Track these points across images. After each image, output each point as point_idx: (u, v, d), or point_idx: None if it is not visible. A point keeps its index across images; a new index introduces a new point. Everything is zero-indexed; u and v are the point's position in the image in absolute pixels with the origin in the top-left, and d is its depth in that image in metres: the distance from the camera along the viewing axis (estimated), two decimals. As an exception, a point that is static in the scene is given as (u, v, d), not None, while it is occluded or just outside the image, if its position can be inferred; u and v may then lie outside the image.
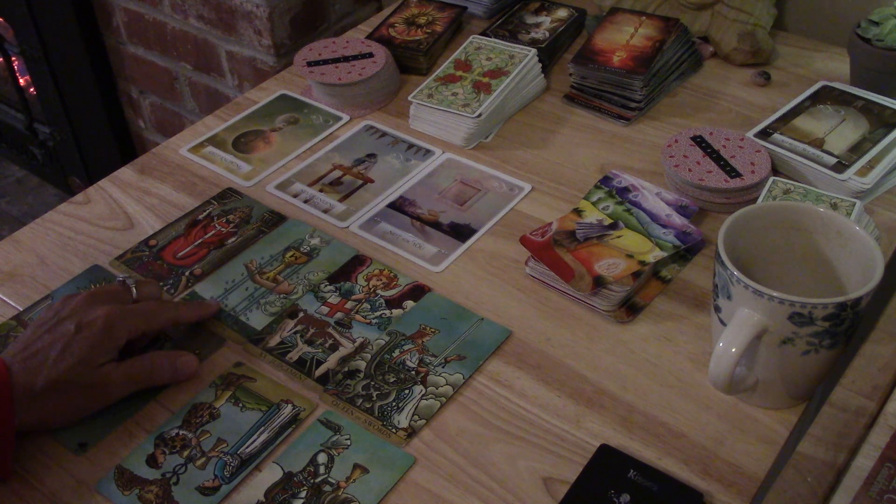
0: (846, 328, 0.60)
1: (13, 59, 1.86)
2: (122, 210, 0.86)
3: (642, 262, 0.73)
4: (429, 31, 1.06)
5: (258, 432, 0.65)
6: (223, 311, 0.74)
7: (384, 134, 0.94)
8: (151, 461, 0.63)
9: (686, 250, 0.77)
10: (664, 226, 0.77)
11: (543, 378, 0.68)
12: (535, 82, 0.98)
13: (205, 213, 0.84)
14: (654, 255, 0.74)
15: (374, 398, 0.67)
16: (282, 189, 0.87)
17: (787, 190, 0.79)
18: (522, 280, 0.77)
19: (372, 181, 0.88)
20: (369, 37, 1.05)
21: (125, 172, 0.90)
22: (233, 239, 0.81)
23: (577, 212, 0.80)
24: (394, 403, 0.66)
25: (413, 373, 0.69)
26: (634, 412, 0.65)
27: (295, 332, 0.72)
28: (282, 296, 0.76)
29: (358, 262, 0.79)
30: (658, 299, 0.74)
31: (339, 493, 0.61)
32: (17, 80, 1.88)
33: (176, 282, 0.77)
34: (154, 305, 0.69)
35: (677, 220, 0.78)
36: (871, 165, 0.82)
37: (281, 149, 0.93)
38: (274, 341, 0.72)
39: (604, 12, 1.07)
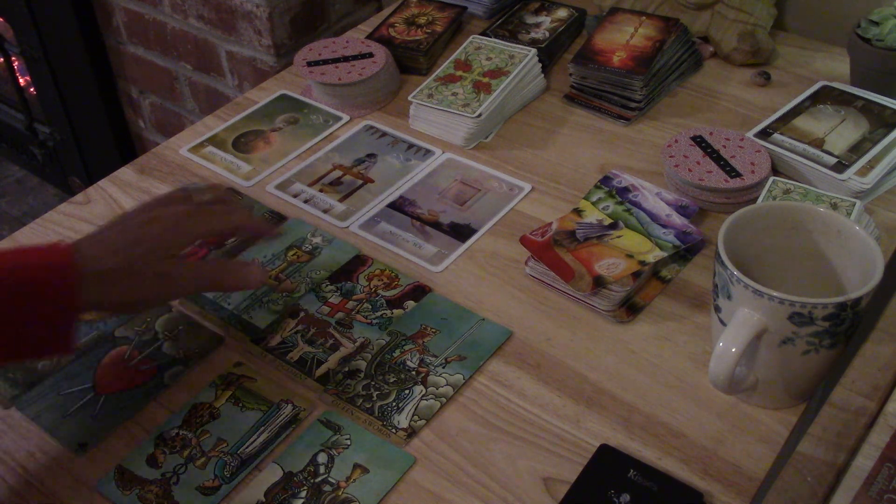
0: (846, 328, 0.60)
1: (13, 59, 1.86)
2: (123, 210, 0.86)
3: (642, 262, 0.73)
4: (429, 31, 1.06)
5: (258, 432, 0.65)
6: (225, 310, 0.74)
7: (384, 134, 0.94)
8: (151, 461, 0.63)
9: (686, 250, 0.77)
10: (664, 226, 0.77)
11: (543, 378, 0.68)
12: (535, 82, 0.98)
13: (205, 213, 0.84)
14: (654, 255, 0.74)
15: (375, 398, 0.67)
16: (282, 189, 0.87)
17: (787, 190, 0.79)
18: (522, 280, 0.77)
19: (372, 181, 0.88)
20: (369, 37, 1.05)
21: (125, 172, 0.90)
22: (233, 239, 0.81)
23: (577, 212, 0.80)
24: (394, 403, 0.66)
25: (413, 373, 0.69)
26: (634, 412, 0.65)
27: (296, 332, 0.72)
28: (284, 294, 0.76)
29: (359, 261, 0.79)
30: (658, 299, 0.74)
31: (339, 493, 0.61)
32: (17, 80, 1.88)
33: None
34: (222, 207, 0.70)
35: (677, 220, 0.78)
36: (871, 165, 0.82)
37: (281, 149, 0.93)
38: (275, 341, 0.72)
39: (604, 12, 1.07)
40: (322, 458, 0.63)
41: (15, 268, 0.58)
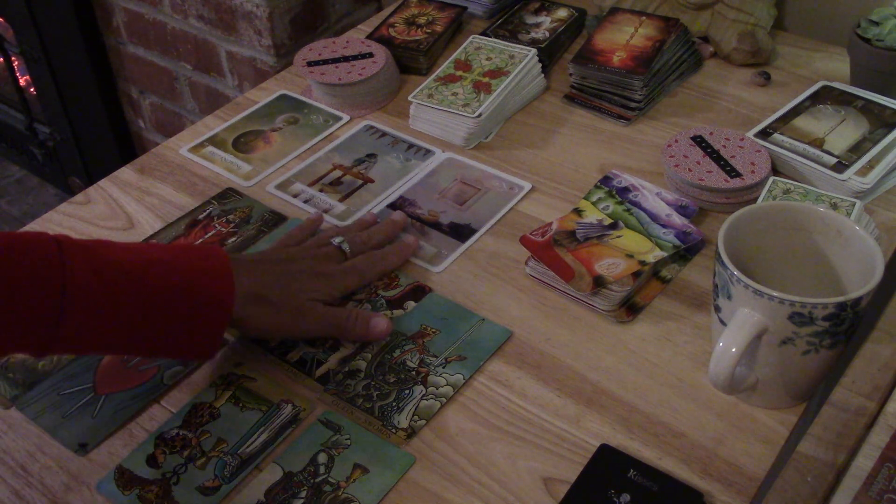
0: (846, 328, 0.60)
1: (13, 59, 1.86)
2: (122, 210, 0.86)
3: (642, 262, 0.73)
4: (429, 31, 1.06)
5: (258, 432, 0.65)
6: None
7: (384, 134, 0.94)
8: (151, 461, 0.63)
9: (686, 250, 0.77)
10: (664, 226, 0.77)
11: (543, 378, 0.68)
12: (535, 82, 0.98)
13: (205, 213, 0.84)
14: (654, 255, 0.74)
15: (375, 398, 0.67)
16: (282, 189, 0.87)
17: (787, 190, 0.79)
18: (522, 280, 0.77)
19: (372, 181, 0.88)
20: (369, 37, 1.05)
21: (125, 172, 0.90)
22: (233, 239, 0.81)
23: (577, 212, 0.80)
24: (394, 403, 0.66)
25: (413, 373, 0.69)
26: (634, 412, 0.65)
27: (295, 332, 0.72)
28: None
29: (358, 262, 0.79)
30: (658, 299, 0.74)
31: (339, 493, 0.61)
32: (17, 80, 1.88)
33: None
34: (366, 263, 0.74)
35: (677, 220, 0.78)
36: (871, 165, 0.82)
37: (281, 149, 0.93)
38: (275, 341, 0.72)
39: (604, 12, 1.07)
40: (322, 458, 0.63)
41: (180, 269, 0.60)
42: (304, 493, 0.61)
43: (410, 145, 0.93)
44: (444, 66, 0.98)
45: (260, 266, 0.68)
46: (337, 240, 0.74)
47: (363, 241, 0.76)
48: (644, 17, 1.00)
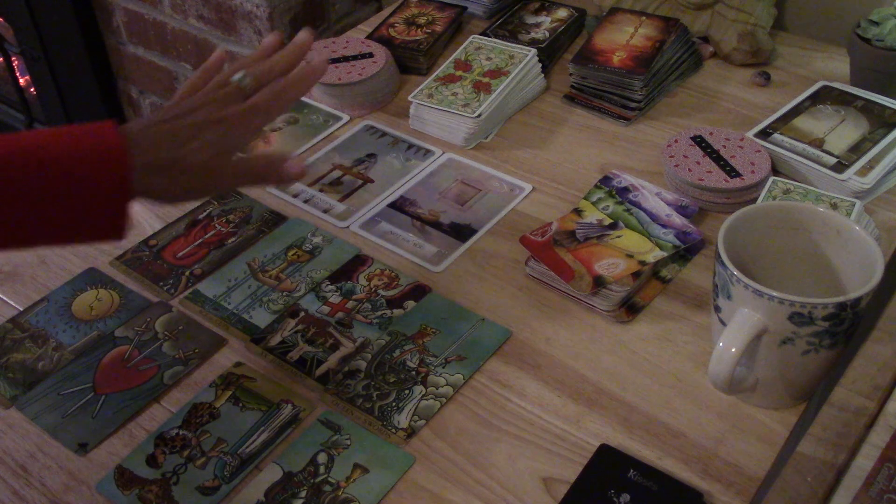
0: (846, 328, 0.60)
1: (13, 59, 1.86)
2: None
3: (642, 262, 0.73)
4: (429, 31, 1.06)
5: (258, 432, 0.65)
6: (226, 310, 0.74)
7: (384, 134, 0.94)
8: (151, 461, 0.63)
9: (686, 250, 0.77)
10: (664, 226, 0.77)
11: (543, 378, 0.68)
12: (535, 82, 0.98)
13: (205, 213, 0.84)
14: (654, 255, 0.74)
15: (375, 398, 0.67)
16: (282, 189, 0.87)
17: (787, 190, 0.79)
18: (522, 280, 0.77)
19: (372, 181, 0.88)
20: (369, 37, 1.05)
21: (125, 172, 0.90)
22: (233, 239, 0.82)
23: (577, 212, 0.80)
24: (394, 403, 0.66)
25: (413, 373, 0.69)
26: (634, 412, 0.65)
27: (296, 332, 0.72)
28: (284, 293, 0.76)
29: (359, 261, 0.79)
30: (658, 299, 0.74)
31: (339, 493, 0.61)
32: (17, 80, 1.88)
33: (176, 282, 0.77)
34: (269, 96, 0.68)
35: (677, 220, 0.78)
36: (871, 165, 0.82)
37: (281, 149, 0.93)
38: (275, 341, 0.72)
39: (604, 12, 1.07)
40: (322, 458, 0.63)
41: (68, 151, 0.58)
42: (304, 493, 0.61)
43: (410, 145, 0.92)
44: (444, 66, 0.98)
45: (154, 129, 0.63)
46: (237, 76, 0.69)
47: (266, 70, 0.70)
48: (644, 17, 1.00)
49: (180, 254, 0.80)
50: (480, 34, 1.04)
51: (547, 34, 1.04)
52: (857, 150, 0.84)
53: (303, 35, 0.73)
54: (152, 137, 0.62)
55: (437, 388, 0.67)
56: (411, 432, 0.64)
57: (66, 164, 0.57)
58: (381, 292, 0.76)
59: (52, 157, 0.57)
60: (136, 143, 0.60)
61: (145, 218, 0.85)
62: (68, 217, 0.58)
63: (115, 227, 0.60)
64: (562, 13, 1.07)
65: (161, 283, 0.77)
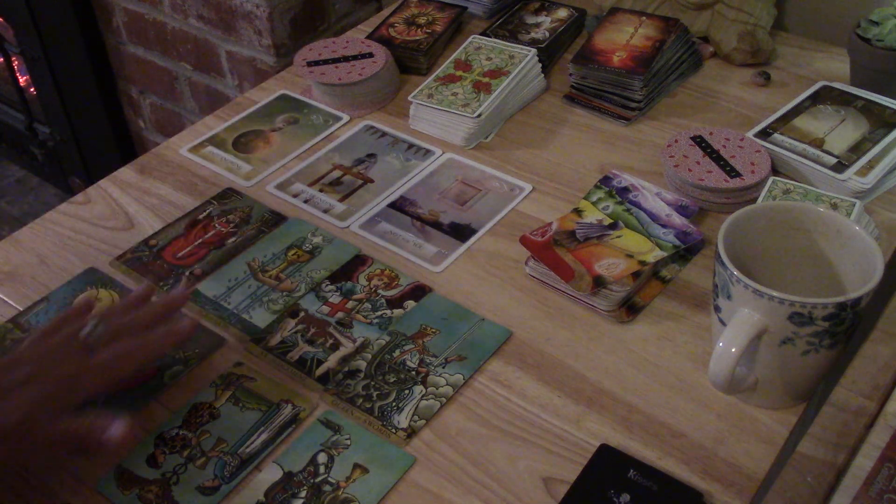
0: (846, 328, 0.60)
1: (13, 59, 1.86)
2: (122, 210, 0.86)
3: (642, 262, 0.73)
4: (429, 31, 1.06)
5: (258, 432, 0.65)
6: (226, 310, 0.74)
7: (384, 134, 0.94)
8: (151, 461, 0.63)
9: (686, 250, 0.77)
10: (664, 226, 0.77)
11: (543, 378, 0.68)
12: (535, 82, 0.98)
13: (205, 213, 0.84)
14: (654, 255, 0.74)
15: (375, 398, 0.67)
16: (282, 189, 0.87)
17: (787, 190, 0.79)
18: (522, 280, 0.77)
19: (372, 181, 0.88)
20: (369, 37, 1.05)
21: (125, 172, 0.90)
22: (233, 239, 0.82)
23: (577, 212, 0.80)
24: (394, 403, 0.66)
25: (413, 373, 0.69)
26: (634, 412, 0.65)
27: (295, 332, 0.72)
28: (284, 293, 0.76)
29: (359, 261, 0.79)
30: (658, 299, 0.74)
31: (339, 493, 0.61)
32: (17, 80, 1.88)
33: (176, 282, 0.77)
34: (118, 356, 0.62)
35: (677, 220, 0.78)
36: (871, 165, 0.82)
37: (281, 149, 0.93)
38: (275, 341, 0.72)
39: (604, 12, 1.07)
40: (322, 458, 0.63)
41: None
42: (304, 493, 0.61)
43: (410, 145, 0.92)
44: (444, 66, 0.98)
45: None
46: (87, 329, 0.61)
47: (126, 324, 0.63)
48: (644, 17, 1.00)
49: (180, 254, 0.80)
50: (480, 34, 1.04)
51: (547, 34, 1.04)
52: (857, 150, 0.84)
53: (178, 291, 0.67)
54: None
55: (437, 388, 0.67)
56: (411, 432, 0.64)
57: None
58: (381, 292, 0.76)
59: None
60: None
61: (145, 218, 0.85)
62: None
63: None
64: (562, 13, 1.07)
65: (161, 283, 0.77)
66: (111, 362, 0.61)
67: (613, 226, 0.78)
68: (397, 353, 0.70)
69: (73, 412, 0.59)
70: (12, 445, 0.56)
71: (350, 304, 0.74)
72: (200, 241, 0.81)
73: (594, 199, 0.81)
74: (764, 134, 0.87)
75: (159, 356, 0.66)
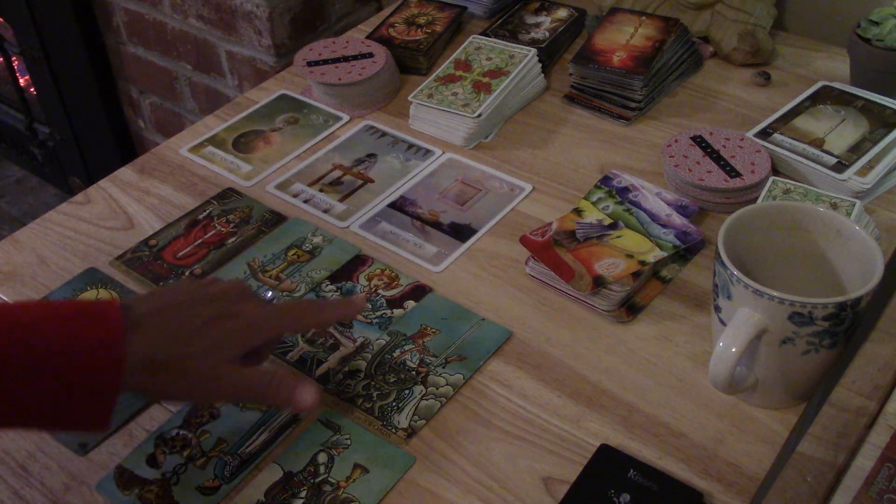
0: (846, 328, 0.60)
1: (13, 59, 1.86)
2: (122, 210, 0.86)
3: (642, 262, 0.73)
4: (429, 31, 1.06)
5: (258, 432, 0.65)
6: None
7: (384, 134, 0.94)
8: (151, 461, 0.63)
9: (686, 250, 0.77)
10: (664, 226, 0.77)
11: (543, 378, 0.68)
12: (535, 82, 0.98)
13: (205, 213, 0.84)
14: (654, 255, 0.74)
15: (375, 398, 0.67)
16: (282, 189, 0.87)
17: (787, 190, 0.79)
18: (522, 280, 0.77)
19: (372, 181, 0.88)
20: (369, 37, 1.05)
21: (125, 172, 0.90)
22: (233, 239, 0.82)
23: (577, 212, 0.80)
24: (394, 403, 0.66)
25: (413, 373, 0.69)
26: (634, 412, 0.65)
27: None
28: (284, 293, 0.76)
29: (359, 261, 0.79)
30: (658, 299, 0.74)
31: (339, 493, 0.61)
32: (17, 80, 1.88)
33: (175, 281, 0.77)
34: (299, 306, 0.65)
35: (677, 220, 0.78)
36: (871, 165, 0.82)
37: (281, 149, 0.93)
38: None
39: (604, 12, 1.07)
40: (322, 458, 0.63)
41: (63, 335, 0.53)
42: (304, 493, 0.61)
43: (410, 145, 0.93)
44: (444, 66, 0.98)
45: (159, 316, 0.57)
46: (270, 294, 0.64)
47: (305, 307, 0.67)
48: (644, 17, 1.00)
49: (180, 254, 0.80)
50: (480, 34, 1.04)
51: (547, 34, 1.04)
52: (857, 150, 0.84)
53: (360, 298, 0.70)
54: (155, 327, 0.56)
55: (437, 388, 0.67)
56: (411, 432, 0.64)
57: (56, 351, 0.52)
58: (381, 292, 0.76)
59: (43, 340, 0.52)
60: (136, 332, 0.54)
61: (145, 218, 0.85)
62: (50, 406, 0.52)
63: (98, 420, 0.54)
64: (562, 13, 1.07)
65: (161, 283, 0.77)
66: (290, 311, 0.62)
67: (613, 226, 0.78)
68: (397, 353, 0.70)
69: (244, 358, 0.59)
70: (202, 387, 0.57)
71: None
72: (200, 241, 0.81)
73: (594, 199, 0.81)
74: (764, 134, 0.87)
75: (332, 321, 0.68)
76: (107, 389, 0.53)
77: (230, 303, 0.59)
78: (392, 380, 0.68)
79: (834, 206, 0.76)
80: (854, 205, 0.76)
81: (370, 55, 1.00)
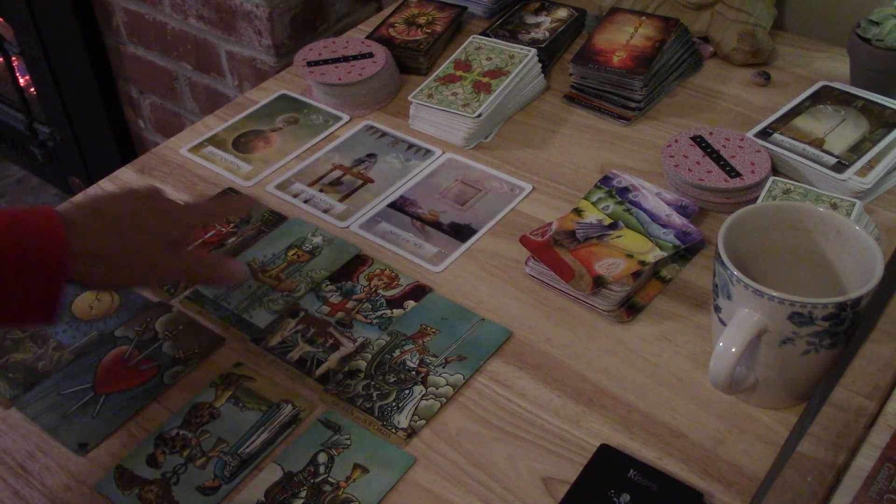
0: (846, 328, 0.60)
1: (13, 59, 1.86)
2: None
3: (642, 262, 0.73)
4: (429, 31, 1.06)
5: (258, 432, 0.65)
6: (226, 310, 0.74)
7: (384, 134, 0.94)
8: (151, 461, 0.63)
9: (686, 250, 0.77)
10: (664, 226, 0.77)
11: (543, 378, 0.68)
12: (535, 82, 0.98)
13: (205, 213, 0.84)
14: (654, 255, 0.74)
15: (375, 398, 0.67)
16: (282, 189, 0.87)
17: (787, 190, 0.79)
18: (522, 280, 0.77)
19: (372, 181, 0.88)
20: (369, 37, 1.05)
21: (125, 172, 0.91)
22: (233, 239, 0.82)
23: (577, 212, 0.80)
24: (394, 403, 0.66)
25: (413, 373, 0.69)
26: (634, 412, 0.65)
27: (296, 332, 0.72)
28: (284, 293, 0.76)
29: (360, 261, 0.79)
30: (658, 299, 0.74)
31: (339, 493, 0.61)
32: (17, 80, 1.88)
33: (176, 281, 0.77)
34: (203, 204, 0.74)
35: (677, 220, 0.78)
36: (871, 165, 0.82)
37: (281, 149, 0.93)
38: (275, 341, 0.72)
39: (604, 12, 1.07)
40: (322, 458, 0.63)
41: (6, 233, 0.58)
42: (304, 493, 0.61)
43: (410, 145, 0.93)
44: (444, 66, 0.98)
45: (94, 218, 0.64)
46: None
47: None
48: (644, 17, 1.00)
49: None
50: (480, 34, 1.04)
51: (547, 34, 1.04)
52: (857, 150, 0.84)
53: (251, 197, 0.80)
54: (91, 226, 0.62)
55: (437, 388, 0.67)
56: (411, 432, 0.64)
57: (5, 250, 0.57)
58: (381, 292, 0.76)
59: None
60: (74, 230, 0.60)
61: (145, 218, 0.85)
62: (2, 302, 0.57)
63: (46, 312, 0.59)
64: (562, 13, 1.07)
65: (161, 283, 0.77)
66: (197, 205, 0.73)
67: (613, 226, 0.78)
68: (397, 353, 0.70)
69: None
70: (143, 272, 0.65)
71: (350, 304, 0.74)
72: (200, 241, 0.81)
73: (594, 199, 0.81)
74: (764, 134, 0.87)
75: (226, 212, 0.77)
76: (54, 282, 0.59)
77: (151, 201, 0.68)
78: (392, 380, 0.68)
79: (834, 206, 0.76)
80: (854, 205, 0.76)
81: (370, 55, 1.00)
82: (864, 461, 0.52)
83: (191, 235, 0.71)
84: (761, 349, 0.61)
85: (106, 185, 0.89)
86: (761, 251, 0.66)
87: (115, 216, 0.64)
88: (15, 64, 1.87)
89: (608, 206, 0.80)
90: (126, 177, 0.90)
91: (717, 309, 0.64)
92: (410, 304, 0.74)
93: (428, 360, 0.69)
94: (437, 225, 0.83)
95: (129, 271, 0.64)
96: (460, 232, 0.82)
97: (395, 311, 0.74)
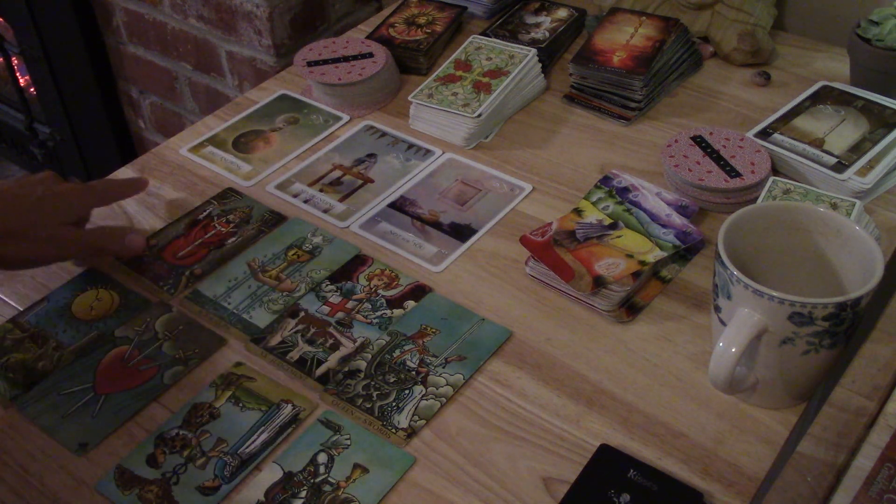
0: (846, 328, 0.60)
1: (13, 59, 1.86)
2: (122, 210, 0.86)
3: (642, 262, 0.73)
4: (429, 31, 1.06)
5: (258, 432, 0.65)
6: (226, 310, 0.74)
7: (384, 134, 0.94)
8: (151, 461, 0.63)
9: (686, 250, 0.77)
10: (664, 226, 0.77)
11: (543, 378, 0.68)
12: (535, 82, 0.98)
13: (205, 213, 0.84)
14: (654, 255, 0.74)
15: (375, 398, 0.67)
16: (282, 189, 0.87)
17: (787, 190, 0.79)
18: (522, 280, 0.77)
19: (372, 181, 0.88)
20: (369, 37, 1.05)
21: (125, 172, 0.90)
22: (233, 239, 0.82)
23: (577, 212, 0.80)
24: (394, 403, 0.66)
25: (413, 373, 0.69)
26: (634, 412, 0.65)
27: (296, 332, 0.72)
28: (284, 293, 0.76)
29: (359, 261, 0.79)
30: (658, 299, 0.74)
31: (339, 493, 0.61)
32: (17, 80, 1.88)
33: (176, 282, 0.77)
34: (99, 184, 0.80)
35: (677, 220, 0.78)
36: (871, 165, 0.82)
37: (281, 149, 0.93)
38: (275, 341, 0.72)
39: (604, 12, 1.07)
40: (322, 458, 0.63)
41: None
42: (304, 493, 0.61)
43: (410, 145, 0.93)
44: (444, 66, 0.98)
45: (3, 203, 0.70)
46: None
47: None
48: (644, 17, 1.00)
49: (180, 254, 0.80)
50: (480, 34, 1.04)
51: (547, 34, 1.04)
52: (857, 150, 0.84)
53: (143, 179, 0.83)
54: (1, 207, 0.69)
55: (437, 388, 0.67)
56: (411, 432, 0.64)
57: None
58: (381, 292, 0.76)
59: None
60: None
61: (145, 218, 0.85)
62: None
63: None
64: (562, 13, 1.07)
65: (161, 283, 0.77)
66: (92, 187, 0.78)
67: (613, 226, 0.78)
68: (397, 353, 0.70)
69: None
70: (49, 248, 0.73)
71: (350, 304, 0.74)
72: (200, 241, 0.81)
73: (594, 199, 0.81)
74: (764, 134, 0.87)
75: (118, 195, 0.82)
76: None
77: (50, 184, 0.73)
78: (392, 380, 0.68)
79: (834, 206, 0.76)
80: (854, 205, 0.76)
81: (370, 55, 1.00)
82: (864, 461, 0.52)
83: (88, 213, 0.78)
84: (761, 349, 0.61)
85: (106, 185, 0.89)
86: (761, 251, 0.66)
87: (16, 198, 0.71)
88: (15, 64, 1.87)
89: (608, 206, 0.80)
90: (126, 177, 0.90)
91: (717, 309, 0.64)
92: (410, 304, 0.74)
93: (428, 360, 0.69)
94: (437, 225, 0.83)
95: (36, 246, 0.71)
96: (460, 232, 0.82)
97: (394, 311, 0.74)
